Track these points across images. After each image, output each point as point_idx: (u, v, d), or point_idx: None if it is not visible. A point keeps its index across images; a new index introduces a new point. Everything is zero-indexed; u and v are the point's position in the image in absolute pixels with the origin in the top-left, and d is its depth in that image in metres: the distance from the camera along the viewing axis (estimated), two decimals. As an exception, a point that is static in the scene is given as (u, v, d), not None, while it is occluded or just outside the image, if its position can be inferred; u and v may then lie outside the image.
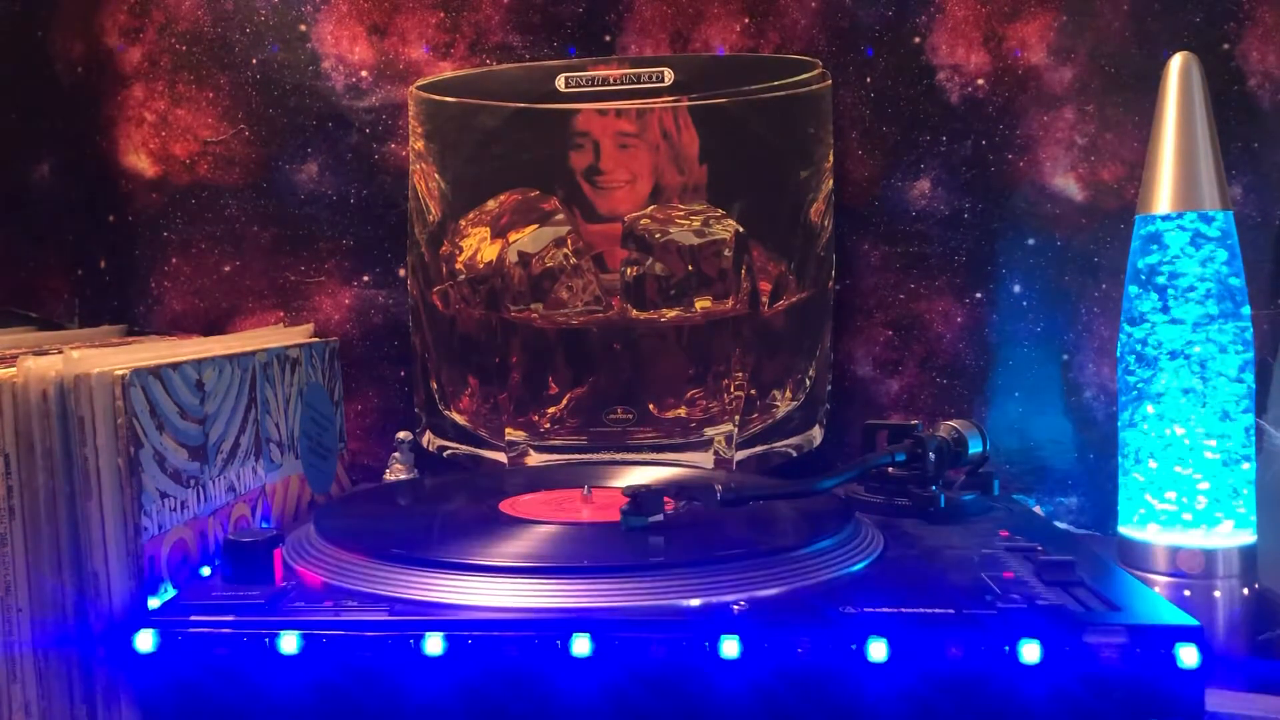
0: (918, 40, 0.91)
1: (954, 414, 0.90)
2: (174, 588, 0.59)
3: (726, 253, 0.90)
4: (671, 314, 0.90)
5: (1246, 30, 0.86)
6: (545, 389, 0.92)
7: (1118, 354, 0.74)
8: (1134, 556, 0.71)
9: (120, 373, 0.56)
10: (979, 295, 0.92)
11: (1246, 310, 0.69)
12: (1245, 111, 0.86)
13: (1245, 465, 0.69)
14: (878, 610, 0.51)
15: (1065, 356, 0.91)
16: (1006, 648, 0.49)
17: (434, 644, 0.51)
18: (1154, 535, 0.70)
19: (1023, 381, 0.91)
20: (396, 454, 0.89)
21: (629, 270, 0.90)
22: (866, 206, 0.92)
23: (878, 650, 0.49)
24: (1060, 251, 0.90)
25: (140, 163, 0.97)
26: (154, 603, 0.57)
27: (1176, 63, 0.70)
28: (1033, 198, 0.90)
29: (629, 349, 0.91)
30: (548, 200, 0.91)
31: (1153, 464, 0.70)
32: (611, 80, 0.90)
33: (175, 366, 0.61)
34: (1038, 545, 0.63)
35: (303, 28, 0.95)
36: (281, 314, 0.97)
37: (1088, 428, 0.90)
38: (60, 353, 0.57)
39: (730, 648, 0.50)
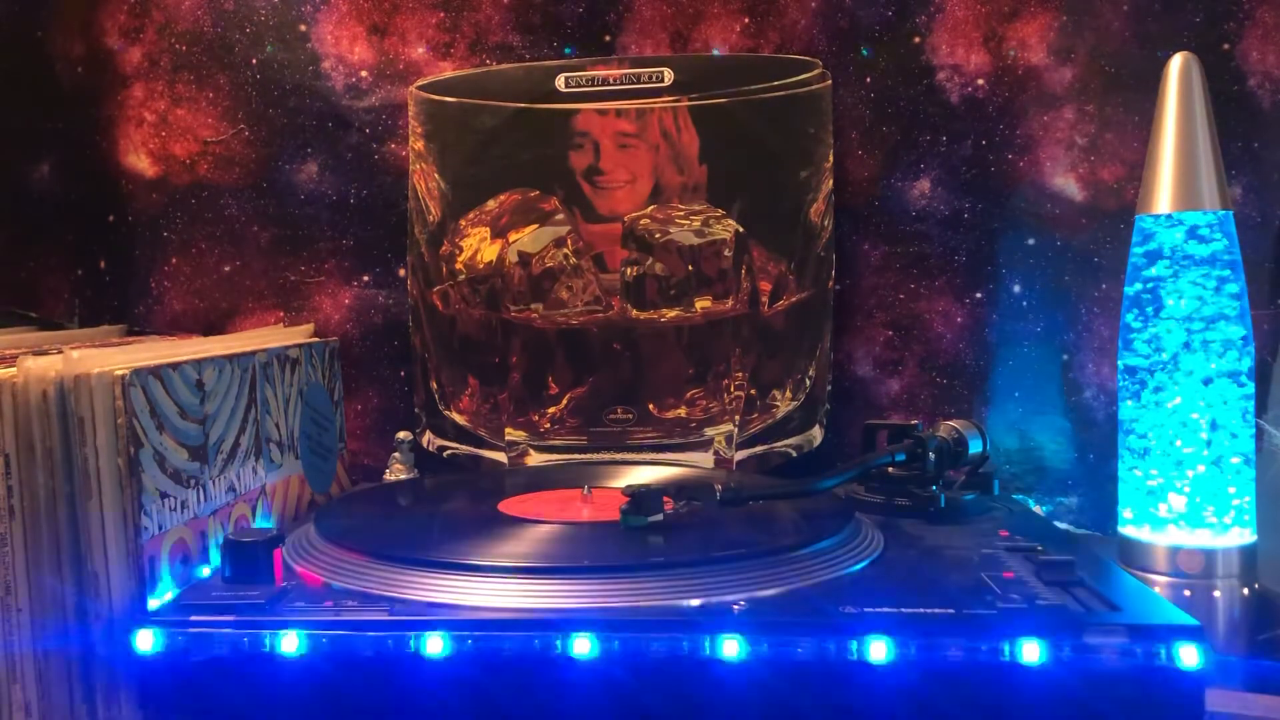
0: (918, 40, 0.91)
1: (954, 414, 0.90)
2: (174, 588, 0.59)
3: (726, 253, 0.90)
4: (671, 314, 0.90)
5: (1246, 30, 0.86)
6: (545, 389, 0.92)
7: (1117, 354, 0.74)
8: (1134, 556, 0.71)
9: (120, 373, 0.56)
10: (979, 295, 0.92)
11: (1246, 310, 0.69)
12: (1245, 111, 0.86)
13: (1245, 464, 0.69)
14: (878, 610, 0.51)
15: (1065, 356, 0.91)
16: (1006, 648, 0.49)
17: (434, 644, 0.51)
18: (1154, 535, 0.70)
19: (1023, 381, 0.91)
20: (396, 454, 0.89)
21: (629, 270, 0.90)
22: (866, 206, 0.92)
23: (878, 650, 0.49)
24: (1060, 251, 0.90)
25: (140, 163, 0.97)
26: (154, 603, 0.57)
27: (1176, 63, 0.70)
28: (1033, 198, 0.90)
29: (629, 349, 0.91)
30: (548, 200, 0.91)
31: (1153, 464, 0.70)
32: (611, 80, 0.90)
33: (175, 366, 0.61)
34: (1038, 545, 0.63)
35: (303, 28, 0.95)
36: (281, 314, 0.97)
37: (1088, 428, 0.90)
38: (60, 353, 0.57)
39: (730, 648, 0.50)
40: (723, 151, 0.90)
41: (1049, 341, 0.91)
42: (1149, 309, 0.70)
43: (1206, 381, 0.68)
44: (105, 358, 0.59)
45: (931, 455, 0.73)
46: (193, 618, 0.52)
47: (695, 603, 0.53)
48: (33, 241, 1.01)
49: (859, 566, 0.59)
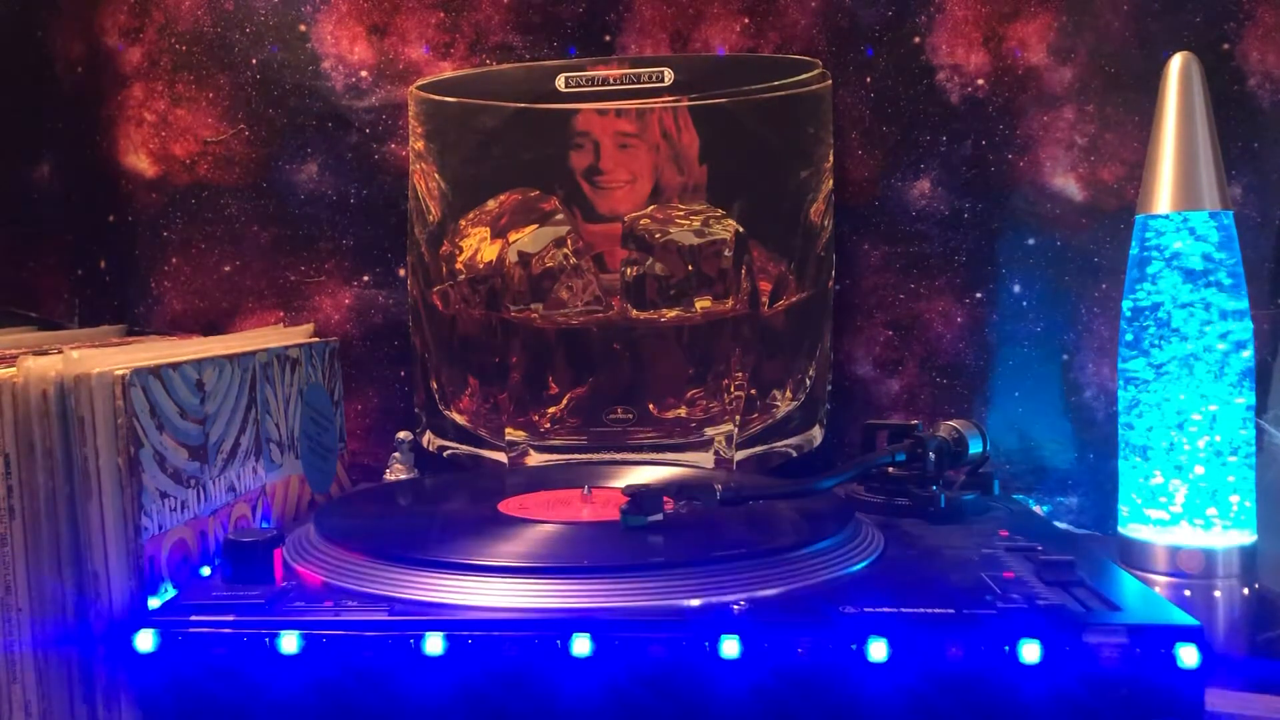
0: (918, 40, 0.91)
1: (954, 414, 0.90)
2: (174, 588, 0.59)
3: (726, 253, 0.90)
4: (671, 314, 0.90)
5: (1246, 30, 0.86)
6: (545, 389, 0.92)
7: (1117, 353, 0.74)
8: (1134, 556, 0.71)
9: (120, 373, 0.56)
10: (979, 295, 0.92)
11: (1246, 310, 0.69)
12: (1245, 111, 0.86)
13: (1245, 464, 0.69)
14: (878, 610, 0.51)
15: (1065, 356, 0.91)
16: (1006, 648, 0.49)
17: (434, 644, 0.51)
18: (1154, 535, 0.70)
19: (1023, 381, 0.91)
20: (396, 454, 0.89)
21: (629, 270, 0.90)
22: (866, 206, 0.92)
23: (878, 650, 0.49)
24: (1060, 251, 0.90)
25: (140, 163, 0.97)
26: (154, 603, 0.57)
27: (1176, 63, 0.70)
28: (1033, 198, 0.90)
29: (629, 349, 0.91)
30: (548, 200, 0.91)
31: (1153, 463, 0.70)
32: (611, 80, 0.90)
33: (175, 366, 0.61)
34: (1038, 545, 0.63)
35: (303, 28, 0.95)
36: (281, 314, 0.97)
37: (1088, 428, 0.90)
38: (60, 353, 0.57)
39: (730, 648, 0.50)
40: (723, 151, 0.90)
41: (1049, 341, 0.91)
42: (1148, 309, 0.70)
43: (1206, 382, 0.68)
44: (105, 358, 0.59)
45: (931, 455, 0.73)
46: (193, 618, 0.52)
47: (695, 603, 0.53)
48: (33, 241, 1.01)
49: (859, 566, 0.59)
